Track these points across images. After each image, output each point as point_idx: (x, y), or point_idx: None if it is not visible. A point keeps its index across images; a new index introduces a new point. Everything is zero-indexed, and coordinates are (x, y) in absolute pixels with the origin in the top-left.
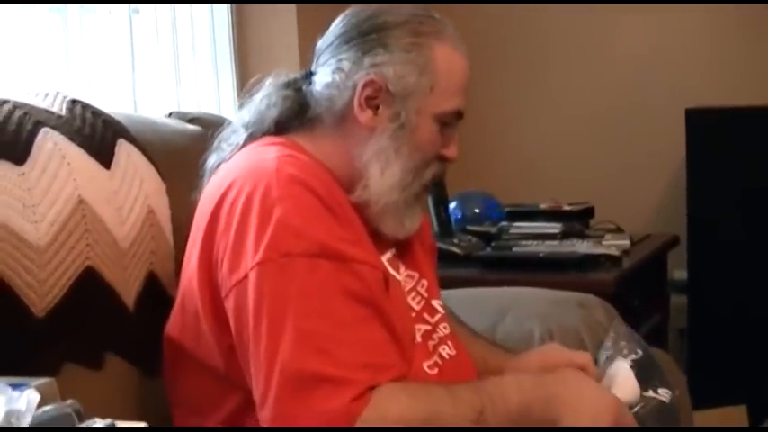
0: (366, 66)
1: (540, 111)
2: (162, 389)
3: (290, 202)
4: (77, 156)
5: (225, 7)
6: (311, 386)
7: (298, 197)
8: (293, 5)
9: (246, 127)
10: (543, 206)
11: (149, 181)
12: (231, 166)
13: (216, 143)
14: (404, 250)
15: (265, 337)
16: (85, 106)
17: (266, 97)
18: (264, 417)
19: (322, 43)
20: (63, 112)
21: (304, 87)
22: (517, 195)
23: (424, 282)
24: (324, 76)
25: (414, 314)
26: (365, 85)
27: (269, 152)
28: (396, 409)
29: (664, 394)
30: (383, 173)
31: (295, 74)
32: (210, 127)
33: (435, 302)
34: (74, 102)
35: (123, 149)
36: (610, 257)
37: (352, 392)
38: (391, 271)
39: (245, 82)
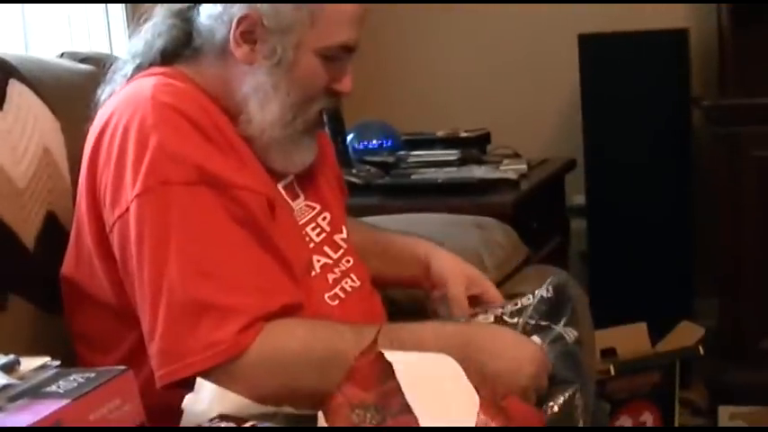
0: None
1: (435, 39)
2: (64, 326)
3: (166, 129)
4: None
5: None
6: (197, 315)
7: (174, 124)
8: None
9: (135, 57)
10: (440, 134)
11: (43, 120)
12: (113, 99)
13: (109, 75)
14: (305, 180)
15: (148, 268)
16: None
17: (153, 26)
18: (152, 350)
19: None
20: None
21: (192, 16)
22: (415, 124)
23: (326, 215)
24: (207, 7)
25: (312, 245)
26: (240, 20)
27: (147, 82)
28: (291, 343)
29: (569, 333)
30: (262, 108)
31: (184, 4)
32: (103, 66)
33: (338, 237)
34: None
35: (15, 89)
36: (507, 181)
37: (241, 322)
38: (286, 198)
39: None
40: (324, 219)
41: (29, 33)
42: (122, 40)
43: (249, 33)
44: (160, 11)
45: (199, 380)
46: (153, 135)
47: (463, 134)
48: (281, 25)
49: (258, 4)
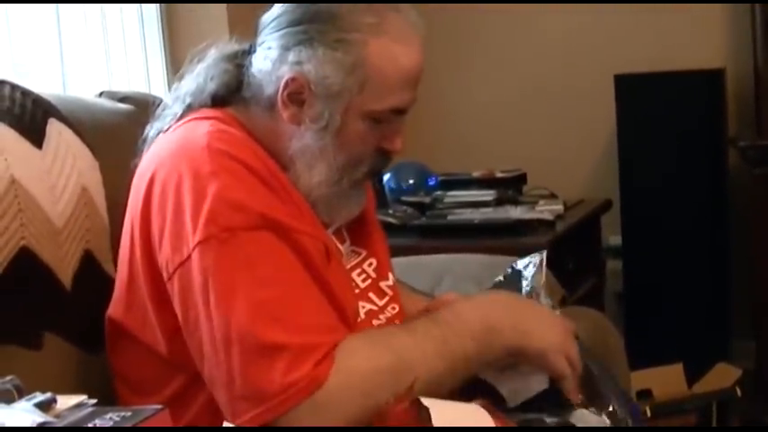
0: (290, 62)
1: (471, 80)
2: (101, 365)
3: (223, 176)
4: (8, 136)
5: None
6: (272, 357)
7: (231, 171)
8: None
9: (185, 97)
10: (476, 174)
11: (82, 159)
12: (163, 142)
13: (159, 111)
14: (352, 225)
15: (216, 314)
16: (14, 86)
17: (206, 68)
18: (228, 398)
19: (265, 18)
20: None
21: (244, 63)
22: (450, 165)
23: (372, 261)
24: (257, 60)
25: (358, 291)
26: (288, 82)
27: (200, 127)
28: (361, 364)
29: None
30: (309, 170)
31: (240, 45)
32: (142, 105)
33: (384, 283)
34: (2, 82)
35: (54, 128)
36: (543, 222)
37: (316, 356)
38: (336, 243)
39: (175, 61)
40: (370, 265)
41: (67, 73)
42: (160, 79)
43: (297, 95)
44: (213, 53)
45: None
46: (211, 183)
47: (499, 174)
48: (329, 91)
49: (306, 68)
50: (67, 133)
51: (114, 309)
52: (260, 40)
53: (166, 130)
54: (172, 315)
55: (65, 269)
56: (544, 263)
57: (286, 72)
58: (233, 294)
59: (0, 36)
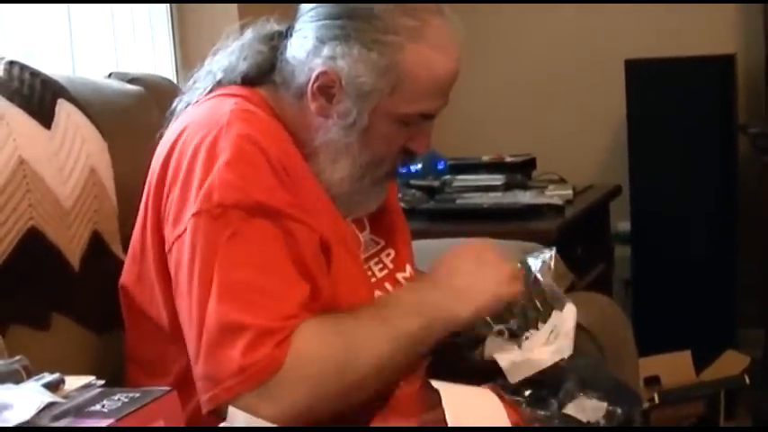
0: (324, 55)
1: (482, 64)
2: (109, 345)
3: (233, 155)
4: (17, 116)
5: None
6: (235, 337)
7: (243, 152)
8: None
9: (217, 73)
10: (486, 159)
11: (91, 140)
12: (189, 114)
13: (191, 83)
14: (374, 216)
15: (197, 290)
16: (23, 67)
17: (240, 48)
18: (197, 373)
19: (305, 5)
20: (0, 74)
21: (280, 46)
22: (460, 149)
23: (391, 251)
24: (292, 46)
25: (374, 280)
26: (319, 75)
27: (226, 104)
28: (313, 350)
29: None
30: (332, 164)
31: (279, 26)
32: (151, 87)
33: (400, 275)
34: (11, 63)
35: (63, 109)
36: (552, 207)
37: (276, 339)
38: (356, 231)
39: (183, 43)
40: (388, 255)
41: (76, 54)
42: (168, 62)
43: (327, 89)
44: (250, 33)
45: (231, 409)
46: (221, 158)
47: (509, 159)
48: (360, 90)
49: (339, 64)
50: (76, 114)
51: (126, 277)
52: (297, 26)
53: (194, 103)
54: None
55: (73, 250)
56: (552, 262)
57: (319, 65)
58: (211, 272)
59: (10, 17)
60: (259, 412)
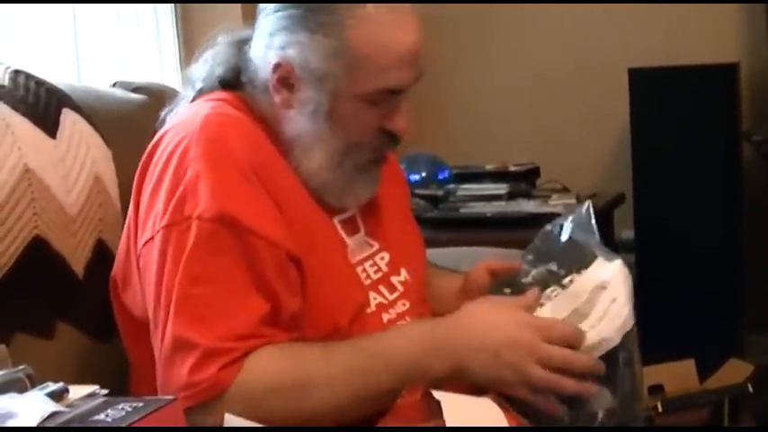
0: (275, 47)
1: (485, 72)
2: (113, 354)
3: (203, 164)
4: (22, 125)
5: None
6: (184, 354)
7: (212, 161)
8: None
9: (196, 82)
10: (489, 167)
11: (95, 148)
12: (170, 120)
13: (177, 98)
14: (369, 215)
15: (163, 300)
16: (29, 76)
17: (213, 54)
18: (157, 378)
19: (262, 4)
20: (6, 82)
21: (246, 49)
22: (464, 157)
23: (385, 255)
24: (253, 45)
25: (369, 282)
26: (275, 68)
27: (203, 109)
28: (264, 377)
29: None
30: (306, 155)
31: (246, 31)
32: (155, 95)
33: (395, 279)
34: (17, 72)
35: (68, 118)
36: (556, 216)
37: (223, 361)
38: (341, 234)
39: (189, 52)
40: (382, 258)
41: (81, 63)
42: (174, 69)
43: (285, 80)
44: (222, 39)
45: (227, 416)
46: (190, 168)
47: (512, 168)
48: (314, 75)
49: (289, 53)
50: (81, 123)
51: (116, 272)
52: (256, 24)
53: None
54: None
55: (77, 258)
56: (592, 216)
57: (273, 57)
58: (173, 284)
59: (16, 26)
60: (207, 425)
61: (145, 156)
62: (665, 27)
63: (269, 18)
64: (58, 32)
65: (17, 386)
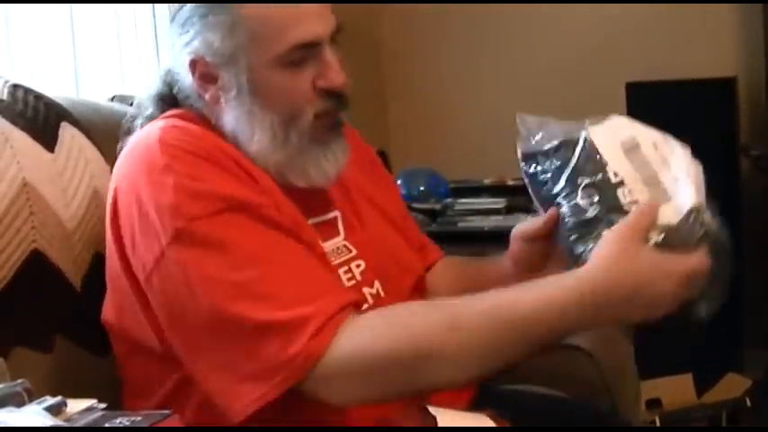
0: (182, 48)
1: (483, 86)
2: (111, 368)
3: (179, 166)
4: (20, 139)
5: None
6: (264, 337)
7: (186, 161)
8: None
9: (147, 106)
10: (487, 182)
11: (94, 162)
12: (125, 149)
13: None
14: (352, 218)
15: (202, 304)
16: (27, 90)
17: (163, 74)
18: (221, 386)
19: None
20: (4, 96)
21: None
22: (462, 171)
23: (361, 263)
24: (171, 62)
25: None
26: (191, 66)
27: (155, 127)
28: (374, 343)
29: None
30: (251, 140)
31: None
32: None
33: (366, 290)
34: (15, 86)
35: (67, 132)
36: None
37: (309, 331)
38: (317, 237)
39: None
40: (358, 266)
41: (80, 77)
42: None
43: (204, 74)
44: (168, 59)
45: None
46: (168, 176)
47: (510, 182)
48: (224, 56)
49: (195, 46)
50: (80, 137)
51: (107, 313)
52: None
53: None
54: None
55: (75, 271)
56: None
57: (185, 59)
58: (212, 281)
59: (14, 39)
60: (317, 398)
61: (111, 190)
62: (662, 41)
63: (172, 30)
64: (57, 46)
65: (15, 400)
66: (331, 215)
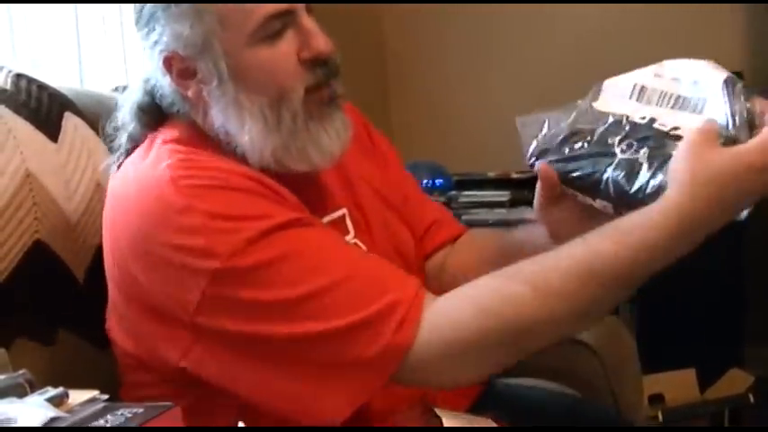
0: (151, 48)
1: (488, 80)
2: (113, 360)
3: (202, 205)
4: (23, 129)
5: None
6: (347, 342)
7: (206, 196)
8: None
9: (125, 122)
10: (491, 174)
11: (97, 154)
12: (120, 186)
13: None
14: (359, 214)
15: (270, 334)
16: (31, 80)
17: (139, 86)
18: (319, 393)
19: None
20: (8, 86)
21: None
22: (466, 163)
23: None
24: (146, 68)
25: None
26: (165, 66)
27: (157, 164)
28: (460, 322)
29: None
30: (243, 132)
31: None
32: None
33: None
34: (19, 75)
35: (70, 122)
36: None
37: (393, 322)
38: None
39: None
40: None
41: (84, 67)
42: None
43: (181, 71)
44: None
45: None
46: (187, 216)
47: (515, 175)
48: (197, 46)
49: (165, 42)
50: (83, 128)
51: (114, 330)
52: None
53: (119, 162)
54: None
55: (79, 263)
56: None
57: (158, 56)
58: (269, 308)
59: (18, 29)
60: (415, 384)
61: (112, 239)
62: (666, 35)
63: (139, 33)
64: (61, 36)
65: (17, 391)
66: (339, 213)
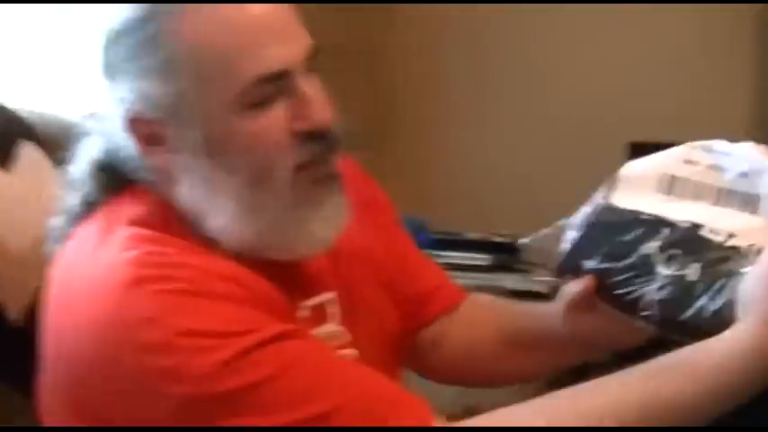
0: (115, 105)
1: (480, 139)
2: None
3: (171, 315)
4: None
5: None
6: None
7: (178, 306)
8: None
9: (81, 183)
10: (472, 236)
11: (53, 187)
12: (68, 279)
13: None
14: (350, 297)
15: None
16: None
17: (92, 143)
18: None
19: None
20: None
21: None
22: (451, 220)
23: (353, 351)
24: (106, 128)
25: None
26: (129, 128)
27: (118, 255)
28: None
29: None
30: (215, 213)
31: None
32: None
33: None
34: None
35: (25, 151)
36: (537, 294)
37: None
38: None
39: None
40: (353, 355)
41: (56, 89)
42: None
43: (149, 136)
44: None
45: None
46: (156, 332)
47: (497, 239)
48: (167, 108)
49: (130, 101)
50: (40, 158)
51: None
52: None
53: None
54: None
55: (16, 304)
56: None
57: (121, 119)
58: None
59: None
60: None
61: (69, 344)
62: (664, 102)
63: (101, 82)
64: (35, 56)
65: None
66: (325, 297)
